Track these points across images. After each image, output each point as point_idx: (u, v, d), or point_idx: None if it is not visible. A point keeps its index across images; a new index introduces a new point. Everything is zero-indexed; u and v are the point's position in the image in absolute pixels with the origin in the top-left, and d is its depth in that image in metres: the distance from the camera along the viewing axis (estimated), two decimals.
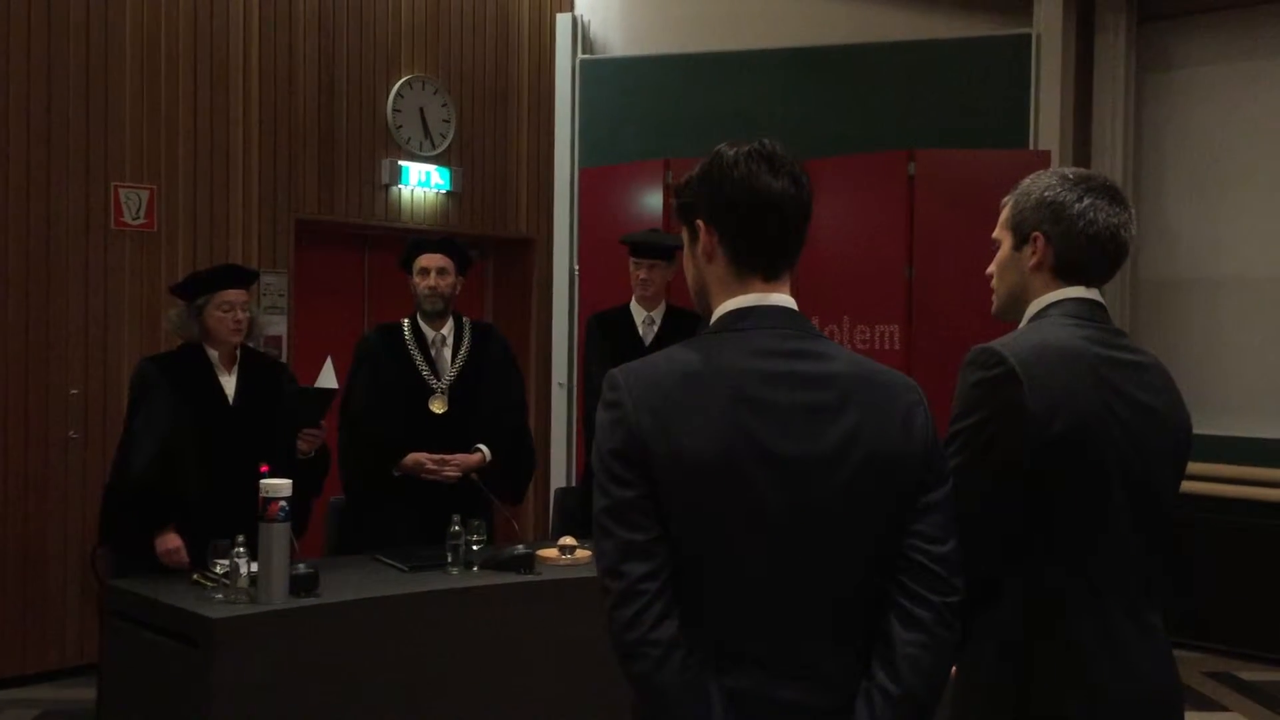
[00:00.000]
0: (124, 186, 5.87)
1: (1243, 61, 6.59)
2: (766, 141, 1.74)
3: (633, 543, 1.62)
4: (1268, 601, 6.08)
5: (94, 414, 5.75)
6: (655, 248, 4.91)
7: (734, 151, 1.73)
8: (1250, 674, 5.91)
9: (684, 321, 4.84)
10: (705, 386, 1.65)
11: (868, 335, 6.20)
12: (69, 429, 5.69)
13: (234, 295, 4.02)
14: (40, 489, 5.61)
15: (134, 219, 5.90)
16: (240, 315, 4.02)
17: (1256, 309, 6.57)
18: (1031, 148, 6.50)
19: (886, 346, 6.12)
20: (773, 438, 1.63)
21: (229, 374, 4.08)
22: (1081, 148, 6.73)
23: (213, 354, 4.06)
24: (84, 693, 5.20)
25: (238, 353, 4.10)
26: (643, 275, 4.86)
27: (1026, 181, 2.06)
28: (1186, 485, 6.99)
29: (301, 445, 4.08)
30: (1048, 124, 6.53)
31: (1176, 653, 2.02)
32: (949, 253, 5.82)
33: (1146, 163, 6.87)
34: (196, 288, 4.06)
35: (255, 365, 4.16)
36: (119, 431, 4.12)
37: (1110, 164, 6.66)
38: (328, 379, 4.14)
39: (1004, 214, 2.09)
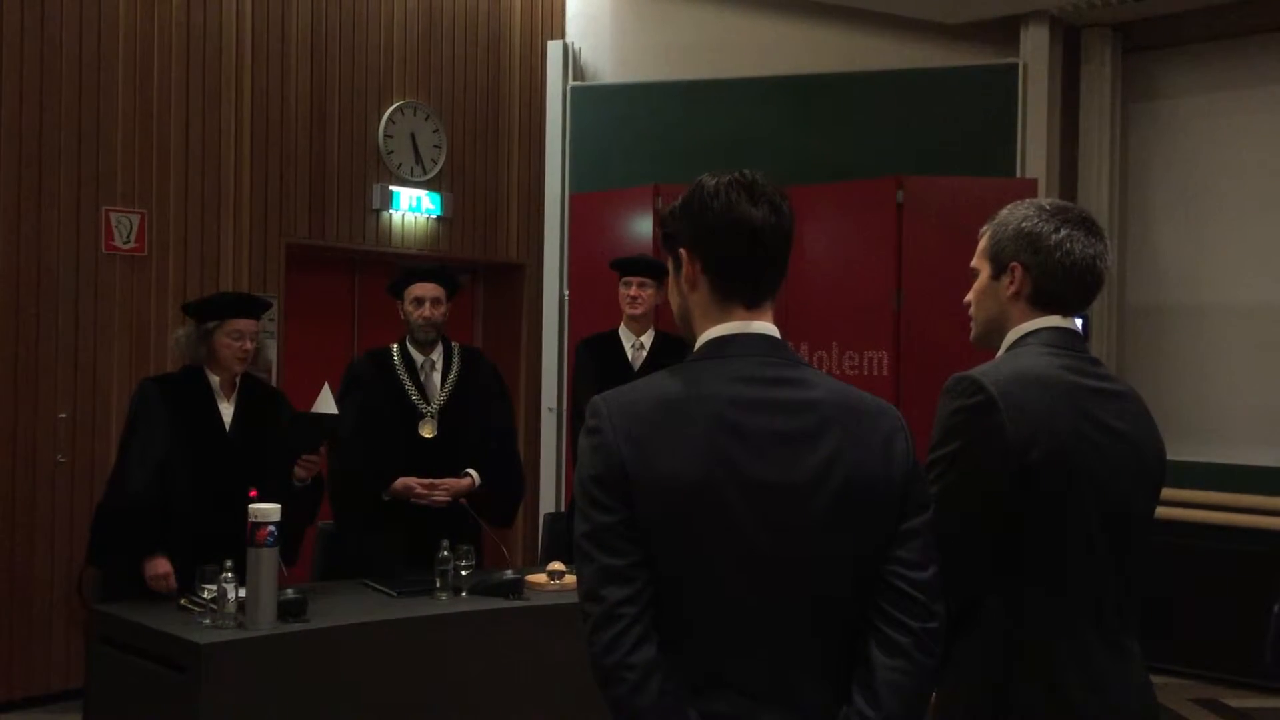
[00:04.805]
0: (115, 211, 5.88)
1: (1226, 91, 6.66)
2: (747, 171, 1.76)
3: (612, 568, 1.63)
4: (1255, 628, 6.09)
5: (82, 439, 5.74)
6: (643, 264, 4.97)
7: (715, 181, 1.75)
8: (1238, 700, 5.91)
9: (673, 346, 4.86)
10: (685, 413, 1.66)
11: (856, 361, 6.23)
12: (57, 453, 5.68)
13: (244, 325, 4.03)
14: (27, 513, 5.60)
15: (125, 243, 5.91)
16: (248, 345, 4.03)
17: (1242, 335, 6.61)
18: (1018, 175, 6.55)
19: (875, 373, 6.15)
20: (751, 463, 1.65)
21: (228, 401, 4.08)
22: (1068, 176, 6.78)
23: (214, 379, 4.06)
24: (70, 719, 5.18)
25: (237, 380, 4.11)
26: (632, 293, 4.91)
27: (1004, 212, 2.10)
28: (1173, 511, 6.95)
29: (299, 472, 4.07)
30: (1034, 152, 6.59)
31: (1165, 679, 2.04)
32: (937, 279, 5.85)
33: (1132, 191, 6.93)
34: (210, 311, 4.07)
35: (254, 393, 4.17)
36: (108, 456, 4.12)
37: (1096, 192, 6.71)
38: (326, 405, 4.14)
39: (982, 243, 2.12)
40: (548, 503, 7.15)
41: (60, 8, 5.72)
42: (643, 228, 6.61)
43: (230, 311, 4.04)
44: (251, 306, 4.13)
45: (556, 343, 7.35)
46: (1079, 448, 1.92)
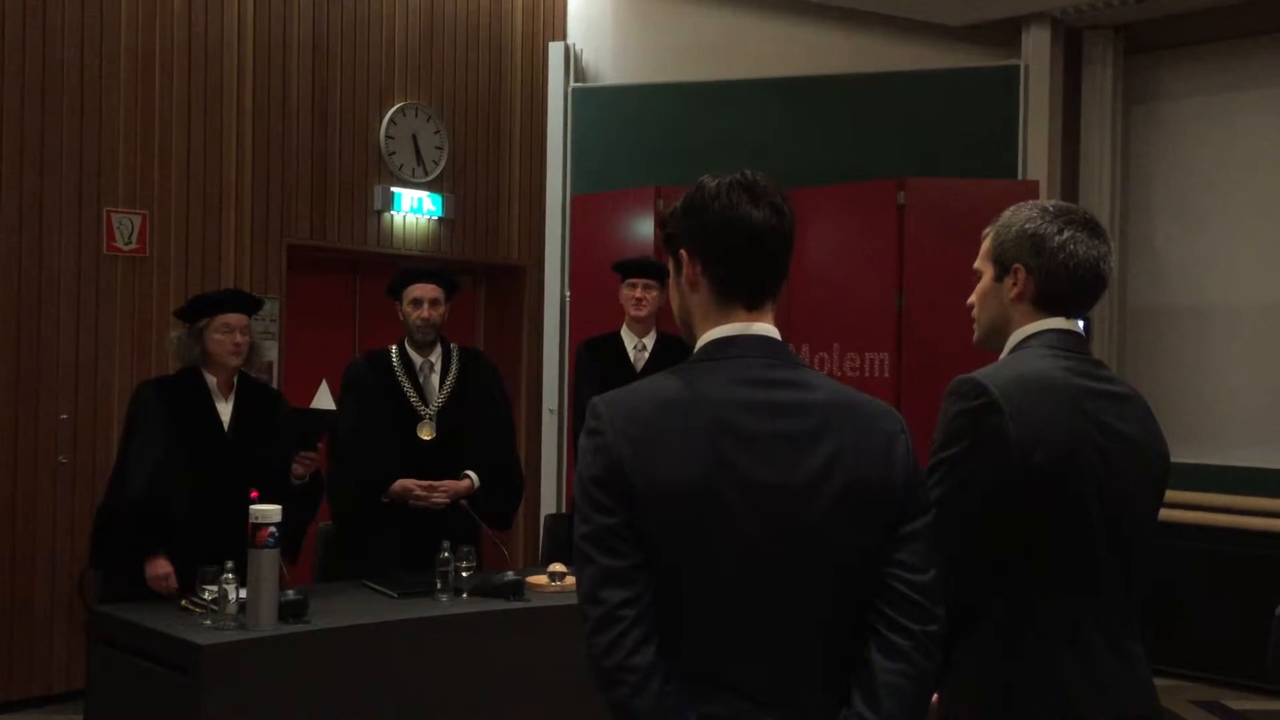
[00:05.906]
0: (117, 212, 5.88)
1: (1228, 92, 6.66)
2: (748, 172, 1.76)
3: (612, 569, 1.63)
4: (1257, 630, 6.08)
5: (84, 440, 5.74)
6: (647, 267, 4.96)
7: (715, 183, 1.75)
8: (1239, 703, 5.90)
9: (675, 348, 4.85)
10: (686, 414, 1.66)
11: (858, 363, 6.22)
12: (58, 454, 5.68)
13: (234, 319, 4.05)
14: (29, 514, 5.60)
15: (126, 244, 5.91)
16: (239, 339, 4.05)
17: (1244, 337, 6.60)
18: (1020, 177, 6.55)
19: (877, 374, 6.14)
20: (752, 465, 1.64)
21: (226, 401, 4.09)
22: (1069, 177, 6.78)
23: (211, 380, 4.07)
24: None
25: (234, 380, 4.12)
26: (636, 294, 4.90)
27: (1007, 213, 2.09)
28: (1175, 514, 6.93)
29: (297, 469, 4.08)
30: (1036, 154, 6.58)
31: (1167, 681, 2.04)
32: (939, 281, 5.85)
33: (1134, 192, 6.92)
34: (199, 309, 4.08)
35: (252, 393, 4.17)
36: (109, 457, 4.12)
37: (1098, 193, 6.71)
38: (324, 401, 4.14)
39: (985, 245, 2.11)
40: (548, 504, 7.14)
41: (62, 8, 5.72)
42: (644, 229, 6.61)
43: (218, 307, 4.06)
44: (238, 300, 4.14)
45: (558, 344, 7.35)
46: (1082, 450, 1.91)
